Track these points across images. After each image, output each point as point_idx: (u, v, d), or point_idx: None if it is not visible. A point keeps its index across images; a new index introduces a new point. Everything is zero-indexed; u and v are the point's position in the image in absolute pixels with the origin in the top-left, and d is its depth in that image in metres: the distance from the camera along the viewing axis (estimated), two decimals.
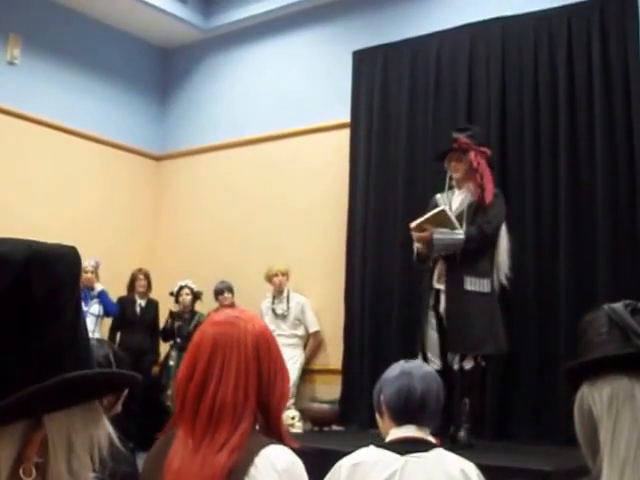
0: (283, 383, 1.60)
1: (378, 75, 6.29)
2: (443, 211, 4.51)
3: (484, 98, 5.73)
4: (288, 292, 6.41)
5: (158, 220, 7.80)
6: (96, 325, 6.36)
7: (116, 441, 0.78)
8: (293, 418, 5.31)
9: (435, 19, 6.11)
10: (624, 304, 1.11)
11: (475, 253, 4.50)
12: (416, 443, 2.04)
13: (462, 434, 4.40)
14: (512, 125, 5.59)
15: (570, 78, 5.36)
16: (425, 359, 4.45)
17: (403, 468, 1.98)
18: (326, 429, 5.61)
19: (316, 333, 6.42)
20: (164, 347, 6.88)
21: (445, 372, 4.35)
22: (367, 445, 2.08)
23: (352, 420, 5.75)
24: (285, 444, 1.55)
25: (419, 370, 2.16)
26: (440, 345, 4.57)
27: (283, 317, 6.34)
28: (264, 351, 1.58)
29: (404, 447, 2.02)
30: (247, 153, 7.22)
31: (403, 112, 6.10)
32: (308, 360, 6.39)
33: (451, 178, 4.79)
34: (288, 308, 6.35)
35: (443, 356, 4.55)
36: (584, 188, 5.21)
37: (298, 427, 5.32)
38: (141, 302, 6.80)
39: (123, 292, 6.81)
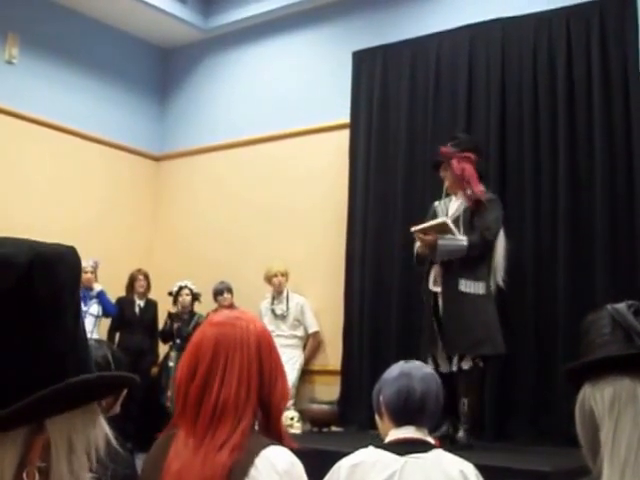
0: (283, 383, 1.61)
1: (378, 75, 6.29)
2: (445, 223, 4.61)
3: (483, 99, 5.73)
4: (287, 293, 6.40)
5: (157, 220, 7.80)
6: (95, 325, 6.35)
7: (113, 441, 0.78)
8: (292, 419, 5.31)
9: (435, 20, 6.12)
10: (627, 305, 1.11)
11: (474, 258, 4.60)
12: (415, 444, 2.05)
13: (461, 434, 4.45)
14: (511, 125, 5.59)
15: (569, 79, 5.36)
16: (436, 363, 4.53)
17: (402, 469, 1.98)
18: (325, 430, 5.61)
19: (315, 334, 6.41)
20: (163, 348, 6.87)
21: (450, 374, 4.46)
22: (366, 446, 2.08)
23: (351, 421, 5.75)
24: (284, 445, 1.56)
25: (418, 371, 2.16)
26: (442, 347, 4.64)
27: (282, 318, 6.34)
28: (266, 351, 1.59)
29: (403, 448, 2.02)
30: (246, 153, 7.22)
31: (403, 112, 6.10)
32: (307, 361, 6.39)
33: None
34: (287, 309, 6.35)
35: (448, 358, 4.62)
36: (583, 189, 5.22)
37: (297, 428, 5.32)
38: (140, 303, 6.79)
39: (121, 293, 6.79)
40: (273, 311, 6.37)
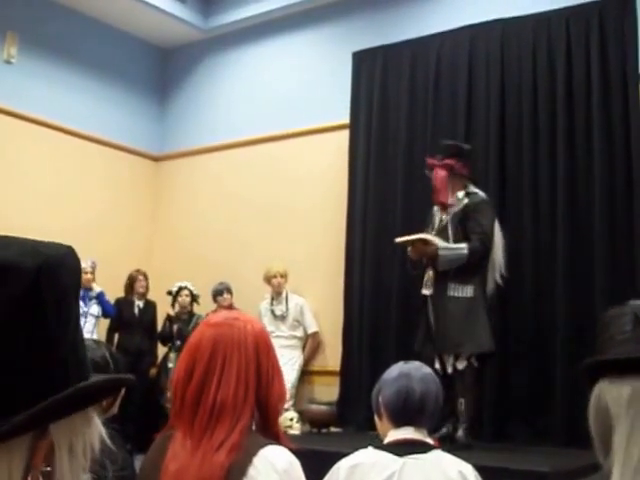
0: (281, 384, 1.61)
1: (378, 76, 6.29)
2: (424, 239, 4.69)
3: (483, 99, 5.74)
4: (287, 293, 6.40)
5: (156, 221, 7.79)
6: (95, 326, 6.34)
7: (108, 441, 0.78)
8: (292, 419, 5.30)
9: (435, 20, 6.12)
10: None
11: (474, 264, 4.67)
12: (414, 445, 2.04)
13: (460, 434, 4.48)
14: (511, 125, 5.60)
15: (569, 79, 5.37)
16: (442, 362, 4.61)
17: (401, 470, 1.98)
18: (324, 431, 5.61)
19: (315, 334, 6.41)
20: (162, 349, 6.86)
21: (446, 374, 4.51)
22: (365, 447, 2.08)
23: (350, 421, 5.74)
24: (281, 444, 1.55)
25: (418, 372, 2.16)
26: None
27: (282, 318, 6.34)
28: (263, 352, 1.60)
29: (402, 449, 2.02)
30: (246, 154, 7.21)
31: (403, 113, 6.10)
32: (307, 361, 6.38)
33: None
34: (287, 309, 6.35)
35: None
36: (582, 188, 5.23)
37: (296, 428, 5.31)
38: (139, 303, 6.77)
39: (120, 293, 6.77)
40: (272, 312, 6.36)
